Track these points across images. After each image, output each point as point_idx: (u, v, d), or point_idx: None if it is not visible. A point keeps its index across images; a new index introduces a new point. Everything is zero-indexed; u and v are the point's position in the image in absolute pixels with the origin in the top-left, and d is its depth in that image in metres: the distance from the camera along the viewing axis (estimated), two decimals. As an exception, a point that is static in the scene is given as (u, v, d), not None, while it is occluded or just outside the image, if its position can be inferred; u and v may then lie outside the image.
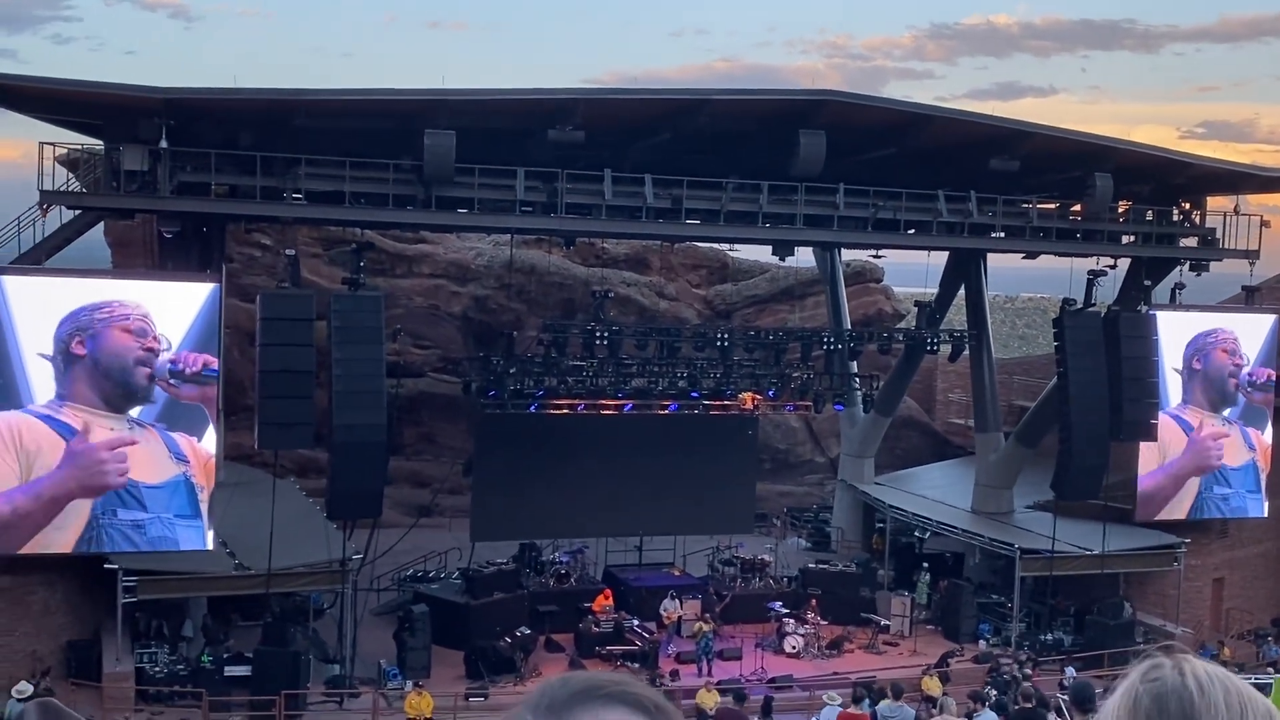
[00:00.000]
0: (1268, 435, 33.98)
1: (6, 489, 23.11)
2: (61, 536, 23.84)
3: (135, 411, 23.94)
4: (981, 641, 31.19)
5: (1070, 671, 26.33)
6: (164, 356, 23.66)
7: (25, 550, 24.07)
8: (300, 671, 25.61)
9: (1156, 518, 33.05)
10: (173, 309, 24.69)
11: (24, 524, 23.43)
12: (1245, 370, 33.41)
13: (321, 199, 26.88)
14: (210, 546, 24.92)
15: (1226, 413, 33.54)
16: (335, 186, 26.51)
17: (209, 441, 24.88)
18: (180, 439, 24.28)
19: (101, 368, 23.28)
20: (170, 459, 24.05)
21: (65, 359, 22.96)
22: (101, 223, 29.53)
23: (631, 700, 1.66)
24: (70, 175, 28.18)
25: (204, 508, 24.65)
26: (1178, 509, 33.23)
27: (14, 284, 23.96)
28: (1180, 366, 32.94)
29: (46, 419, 23.06)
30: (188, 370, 23.99)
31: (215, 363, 24.12)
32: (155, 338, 23.53)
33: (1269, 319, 34.12)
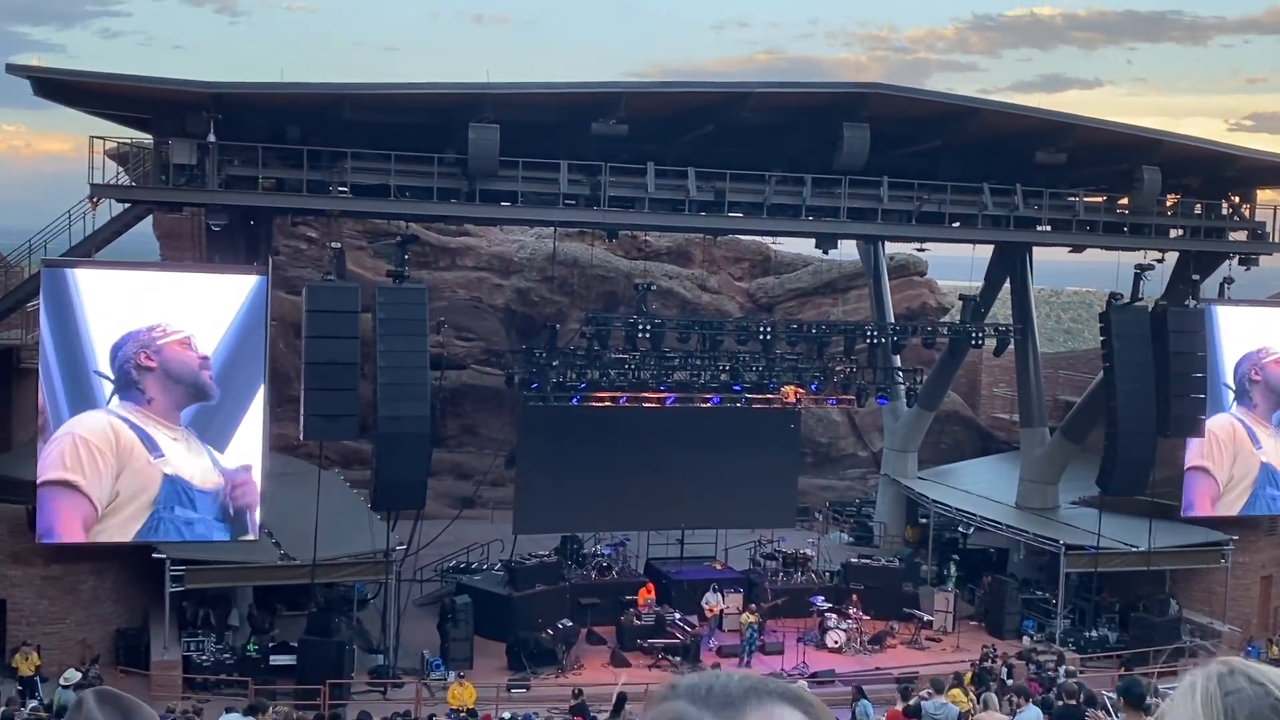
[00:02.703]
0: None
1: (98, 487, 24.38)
2: (124, 527, 24.73)
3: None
4: (1025, 638, 30.99)
5: (1064, 670, 26.13)
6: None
7: (87, 539, 24.67)
8: (344, 661, 25.84)
9: (1211, 513, 32.87)
10: (217, 302, 25.18)
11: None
12: None
13: (366, 192, 27.06)
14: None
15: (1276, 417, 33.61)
16: (380, 180, 26.68)
17: (232, 454, 25.38)
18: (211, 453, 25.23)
19: (173, 375, 24.80)
20: (213, 469, 25.10)
21: (137, 370, 24.52)
22: (150, 216, 29.85)
23: (795, 699, 1.65)
24: (120, 169, 28.51)
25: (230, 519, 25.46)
26: (1233, 505, 33.08)
27: (86, 278, 24.62)
28: (1232, 382, 32.99)
29: (133, 426, 24.49)
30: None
31: None
32: (203, 354, 25.04)
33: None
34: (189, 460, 24.82)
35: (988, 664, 26.98)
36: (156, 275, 25.88)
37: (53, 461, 24.17)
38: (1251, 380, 33.20)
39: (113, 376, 24.54)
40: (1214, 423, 32.35)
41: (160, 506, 24.72)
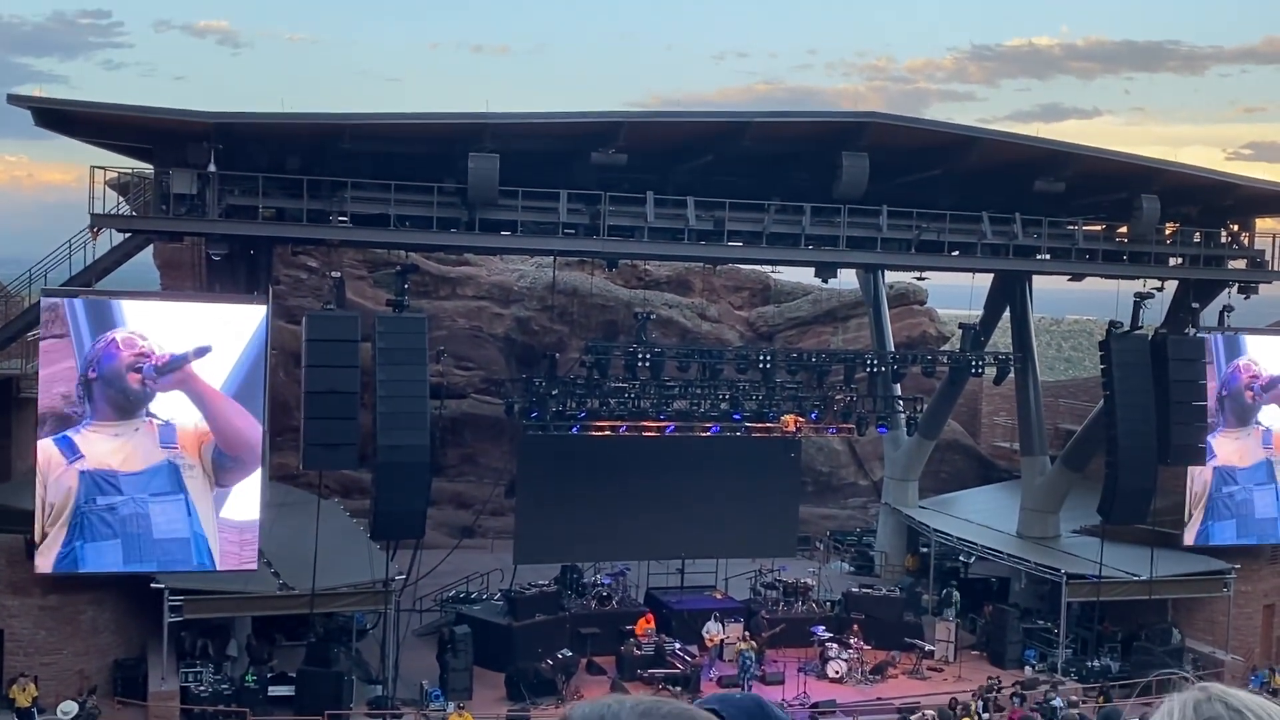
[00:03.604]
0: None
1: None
2: (55, 538, 24.77)
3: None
4: (1027, 667, 30.85)
5: (1057, 702, 26.12)
6: (148, 363, 25.08)
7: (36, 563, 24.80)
8: (343, 692, 25.72)
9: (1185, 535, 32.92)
10: (225, 334, 25.30)
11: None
12: (1262, 377, 33.58)
13: (367, 222, 27.12)
14: (198, 515, 25.43)
15: (1254, 421, 33.67)
16: (380, 209, 26.75)
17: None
18: (178, 427, 25.28)
19: (109, 382, 24.97)
20: (158, 447, 25.18)
21: (84, 384, 24.87)
22: (150, 245, 29.89)
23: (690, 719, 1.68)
24: (121, 199, 28.58)
25: (189, 481, 25.37)
26: (1198, 517, 33.01)
27: (133, 308, 24.98)
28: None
29: (60, 440, 24.83)
30: (159, 365, 25.02)
31: (177, 352, 25.13)
32: (142, 349, 24.91)
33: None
34: (116, 448, 24.94)
35: (992, 693, 26.89)
36: (204, 306, 25.88)
37: None
38: (1220, 396, 33.35)
39: (80, 391, 24.91)
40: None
41: (80, 503, 24.91)
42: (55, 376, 24.65)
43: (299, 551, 26.19)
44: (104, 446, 24.90)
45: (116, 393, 24.91)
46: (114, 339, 24.80)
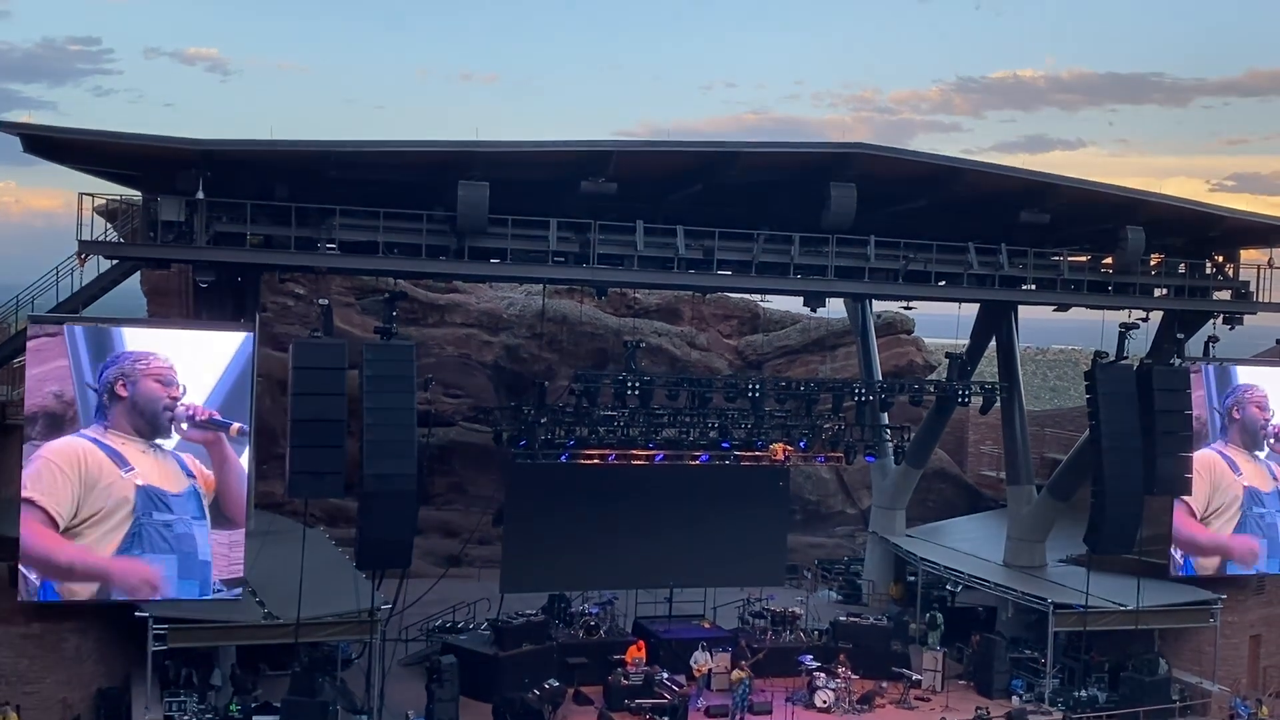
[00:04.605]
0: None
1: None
2: (106, 538, 25.00)
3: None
4: (1015, 697, 30.81)
5: None
6: (181, 406, 25.54)
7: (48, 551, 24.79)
8: (328, 722, 25.55)
9: (1197, 529, 33.27)
10: (205, 358, 25.39)
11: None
12: (1273, 424, 34.18)
13: (355, 249, 27.12)
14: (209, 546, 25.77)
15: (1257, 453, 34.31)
16: (369, 237, 26.78)
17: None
18: (187, 459, 25.73)
19: (138, 408, 25.29)
20: (182, 475, 25.67)
21: (110, 396, 25.15)
22: (138, 272, 29.85)
23: None
24: (108, 225, 28.58)
25: (206, 510, 25.75)
26: (1225, 529, 33.51)
27: (134, 336, 25.26)
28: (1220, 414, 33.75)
29: (101, 445, 25.13)
30: (197, 417, 25.50)
31: (218, 415, 25.79)
32: (178, 387, 25.55)
33: (1303, 372, 34.16)
34: (158, 468, 25.36)
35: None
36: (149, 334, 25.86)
37: (23, 482, 24.86)
38: (1232, 418, 33.66)
39: (98, 389, 25.14)
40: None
41: (140, 514, 25.15)
42: (46, 375, 24.67)
43: (284, 580, 26.07)
44: (146, 462, 25.21)
45: (145, 421, 25.23)
46: (147, 365, 25.13)
